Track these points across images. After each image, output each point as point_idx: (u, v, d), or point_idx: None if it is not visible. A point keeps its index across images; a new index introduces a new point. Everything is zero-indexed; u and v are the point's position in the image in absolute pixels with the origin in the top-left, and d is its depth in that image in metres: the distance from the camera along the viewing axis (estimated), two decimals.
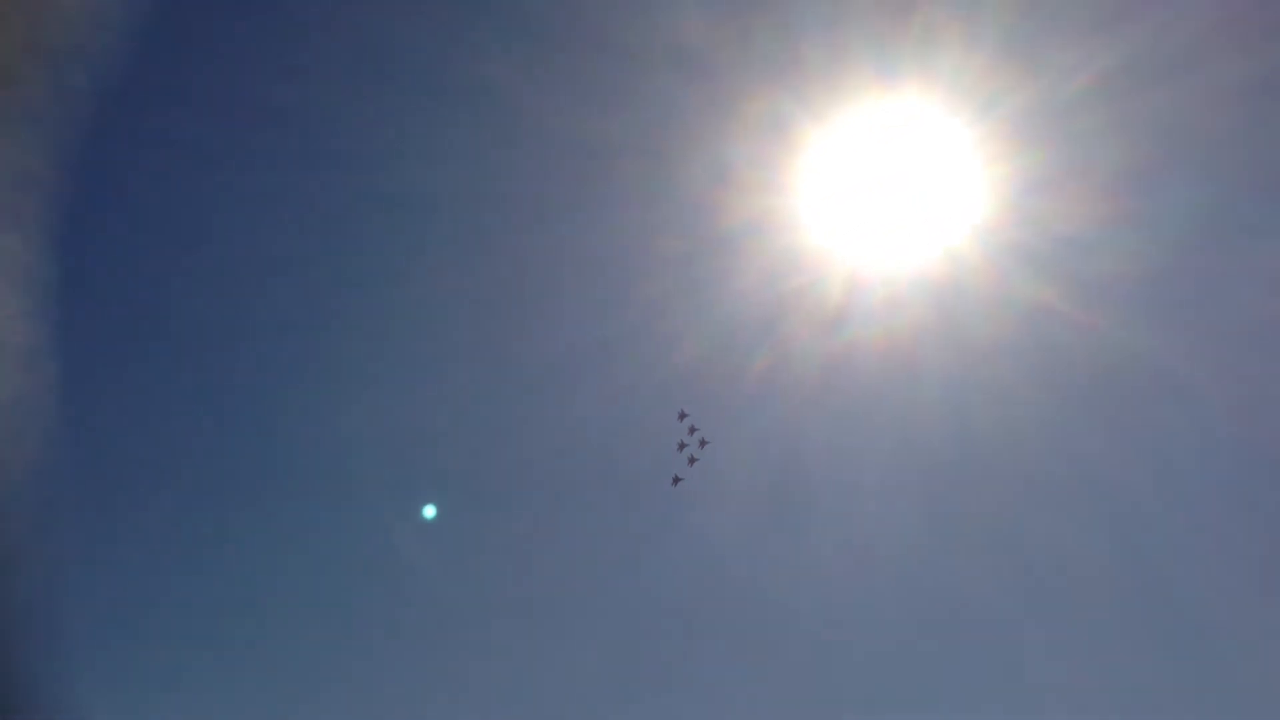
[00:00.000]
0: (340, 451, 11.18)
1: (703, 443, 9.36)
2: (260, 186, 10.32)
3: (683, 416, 9.62)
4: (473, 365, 11.10)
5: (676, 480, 9.43)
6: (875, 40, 9.88)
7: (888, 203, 10.41)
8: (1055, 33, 9.78)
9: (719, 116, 10.23)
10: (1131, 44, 9.80)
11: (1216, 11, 9.55)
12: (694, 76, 10.10)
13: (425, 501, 11.03)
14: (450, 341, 11.26)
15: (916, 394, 10.60)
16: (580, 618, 11.73)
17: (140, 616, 11.49)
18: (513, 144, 10.49)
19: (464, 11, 9.89)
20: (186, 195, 10.36)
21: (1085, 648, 9.99)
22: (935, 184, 10.19)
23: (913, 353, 10.67)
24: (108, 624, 11.22)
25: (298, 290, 10.86)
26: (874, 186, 10.35)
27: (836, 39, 9.98)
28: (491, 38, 10.41)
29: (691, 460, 9.42)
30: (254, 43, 10.01)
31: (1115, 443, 10.08)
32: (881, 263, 10.47)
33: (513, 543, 11.56)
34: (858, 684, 10.53)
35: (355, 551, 11.72)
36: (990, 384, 10.59)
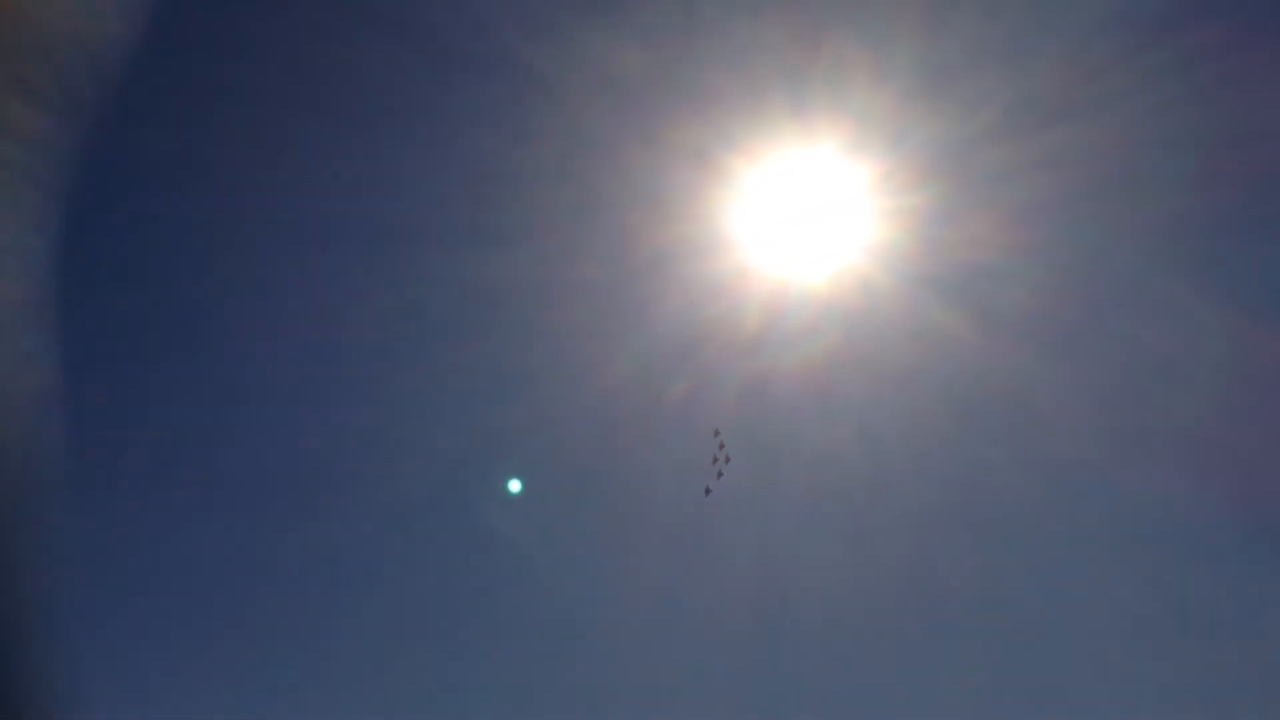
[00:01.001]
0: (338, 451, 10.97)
1: (728, 459, 10.15)
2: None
3: (717, 433, 10.31)
4: (390, 388, 10.97)
5: (708, 491, 10.20)
6: (788, 74, 10.14)
7: (803, 232, 10.67)
8: (960, 70, 10.17)
9: (638, 145, 10.37)
10: (1034, 82, 10.27)
11: (1117, 52, 10.08)
12: (613, 105, 10.22)
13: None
14: (369, 364, 11.09)
15: (831, 418, 10.86)
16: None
17: (145, 615, 11.12)
18: (434, 170, 10.45)
19: (386, 38, 9.82)
20: (186, 194, 10.12)
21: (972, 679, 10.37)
22: (847, 214, 10.49)
23: (828, 378, 10.93)
24: (132, 621, 10.89)
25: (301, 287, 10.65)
26: (789, 216, 10.61)
27: (752, 71, 10.21)
28: (413, 64, 10.36)
29: (719, 474, 10.17)
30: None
31: (1014, 465, 10.47)
32: (797, 290, 10.73)
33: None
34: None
35: (357, 551, 11.47)
36: (901, 409, 10.91)
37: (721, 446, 10.37)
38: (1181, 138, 10.09)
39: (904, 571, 10.61)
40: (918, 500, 10.68)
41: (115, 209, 10.55)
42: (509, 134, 10.56)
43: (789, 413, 10.87)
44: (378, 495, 10.71)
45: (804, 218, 10.54)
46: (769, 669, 10.56)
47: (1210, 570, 10.45)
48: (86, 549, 10.35)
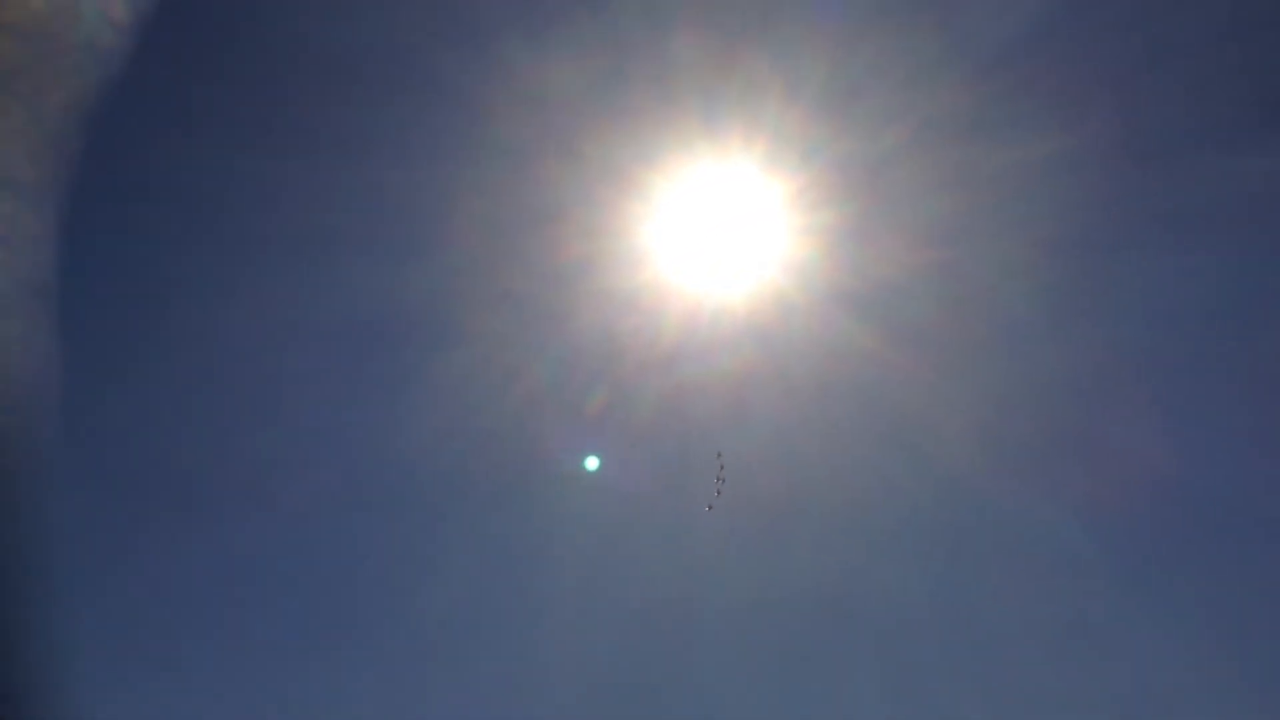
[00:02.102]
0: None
1: (723, 480, 10.49)
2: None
3: (719, 455, 10.64)
4: (301, 398, 10.85)
5: (710, 508, 10.55)
6: (702, 90, 10.19)
7: (718, 247, 10.73)
8: (870, 88, 10.29)
9: (554, 160, 10.35)
10: (943, 100, 10.42)
11: (1026, 72, 10.27)
12: (531, 120, 10.20)
13: None
14: (275, 375, 10.95)
15: (745, 432, 10.94)
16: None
17: (146, 615, 10.91)
18: (348, 181, 10.34)
19: (298, 58, 9.72)
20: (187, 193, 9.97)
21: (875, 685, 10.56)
22: (761, 229, 10.57)
23: (742, 392, 11.02)
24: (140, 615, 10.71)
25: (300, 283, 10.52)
26: (704, 231, 10.66)
27: (666, 86, 10.25)
28: (329, 76, 10.26)
29: (719, 492, 10.53)
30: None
31: (924, 479, 10.64)
32: (713, 305, 10.79)
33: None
34: None
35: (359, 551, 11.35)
36: (814, 422, 11.02)
37: (721, 468, 10.58)
38: (1090, 157, 10.31)
39: (813, 583, 10.75)
40: (830, 513, 10.82)
41: (114, 205, 10.36)
42: (424, 146, 10.51)
43: (705, 426, 10.93)
44: (279, 504, 10.63)
45: (719, 233, 10.61)
46: (647, 682, 10.67)
47: (1111, 583, 10.75)
48: (85, 548, 10.20)
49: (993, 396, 10.85)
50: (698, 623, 11.05)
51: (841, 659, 10.99)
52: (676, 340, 10.76)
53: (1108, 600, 11.25)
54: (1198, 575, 11.29)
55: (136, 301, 10.86)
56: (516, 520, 11.09)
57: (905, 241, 10.55)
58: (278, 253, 10.66)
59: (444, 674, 11.17)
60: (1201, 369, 11.04)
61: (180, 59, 9.58)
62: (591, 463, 10.96)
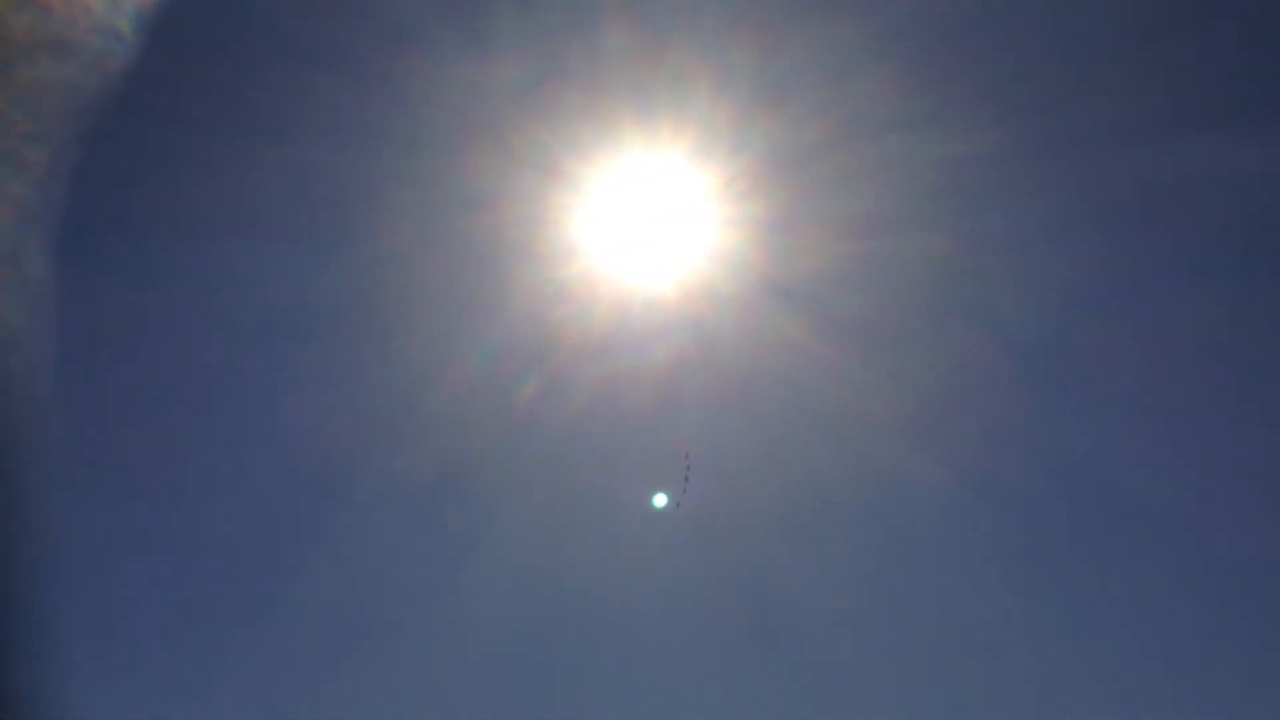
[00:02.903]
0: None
1: (687, 479, 10.68)
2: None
3: (686, 455, 10.79)
4: (229, 387, 10.74)
5: (679, 505, 10.80)
6: (631, 81, 10.18)
7: (647, 237, 10.76)
8: (798, 80, 10.34)
9: (483, 150, 10.30)
10: (871, 91, 10.50)
11: (955, 63, 10.38)
12: (459, 110, 10.13)
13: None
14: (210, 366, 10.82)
15: (677, 423, 11.01)
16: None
17: (146, 613, 10.73)
18: (275, 171, 10.20)
19: (229, 39, 9.57)
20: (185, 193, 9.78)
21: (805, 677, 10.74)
22: (690, 220, 10.61)
23: (674, 382, 11.08)
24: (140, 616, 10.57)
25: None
26: (634, 221, 10.68)
27: (595, 78, 10.22)
28: (258, 64, 10.11)
29: (684, 490, 10.76)
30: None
31: (853, 469, 10.79)
32: (642, 295, 10.82)
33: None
34: None
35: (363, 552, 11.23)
36: (744, 413, 11.12)
37: (689, 468, 10.66)
38: (1016, 150, 10.46)
39: (742, 576, 10.88)
40: (760, 503, 10.94)
41: (113, 204, 10.17)
42: (351, 136, 10.41)
43: (636, 416, 10.99)
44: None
45: (648, 224, 10.63)
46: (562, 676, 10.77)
47: (1040, 569, 11.01)
48: (84, 547, 10.05)
49: (922, 387, 11.00)
50: (628, 615, 11.14)
51: (771, 650, 11.16)
52: (607, 331, 10.79)
53: (1035, 587, 11.52)
54: (1120, 563, 11.57)
55: (145, 298, 10.67)
56: (449, 511, 11.10)
57: (833, 233, 10.65)
58: (202, 240, 10.51)
59: (377, 668, 11.15)
60: (1130, 357, 11.24)
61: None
62: (660, 499, 10.99)
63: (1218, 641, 11.06)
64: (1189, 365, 10.51)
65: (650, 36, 9.98)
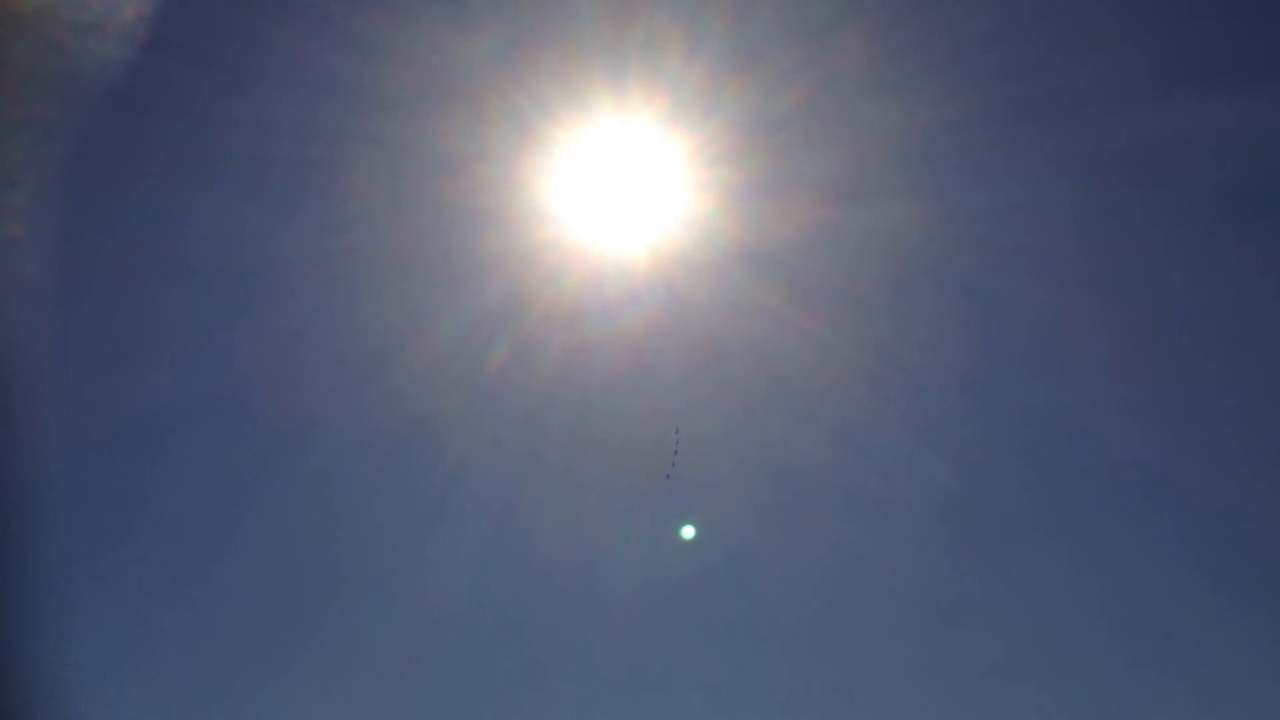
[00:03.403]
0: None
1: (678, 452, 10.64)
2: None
3: (677, 431, 10.75)
4: (195, 355, 10.68)
5: (668, 476, 10.72)
6: (604, 44, 10.07)
7: (618, 202, 10.68)
8: (772, 44, 10.24)
9: (454, 111, 10.21)
10: (844, 56, 10.40)
11: (928, 27, 10.29)
12: (427, 69, 10.03)
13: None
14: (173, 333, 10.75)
15: (648, 389, 10.97)
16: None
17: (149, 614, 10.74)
18: (235, 129, 10.10)
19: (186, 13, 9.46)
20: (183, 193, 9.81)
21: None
22: (662, 185, 10.53)
23: (645, 350, 11.03)
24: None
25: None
26: (606, 186, 10.60)
27: (568, 41, 10.12)
28: (226, 18, 9.99)
29: (673, 464, 10.69)
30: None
31: (825, 438, 10.76)
32: (614, 261, 10.76)
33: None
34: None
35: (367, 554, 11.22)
36: (716, 381, 11.08)
37: (678, 443, 10.63)
38: (996, 112, 10.37)
39: (714, 543, 10.87)
40: (729, 470, 10.91)
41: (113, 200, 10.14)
42: (322, 96, 10.29)
43: (607, 383, 10.94)
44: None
45: (620, 188, 10.55)
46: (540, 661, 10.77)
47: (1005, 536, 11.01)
48: (82, 547, 10.06)
49: (896, 354, 10.98)
50: (599, 581, 11.13)
51: (747, 618, 11.18)
52: (578, 297, 10.72)
53: (1013, 554, 11.53)
54: (1101, 530, 11.57)
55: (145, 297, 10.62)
56: (416, 477, 11.07)
57: (807, 199, 10.58)
58: (168, 197, 10.42)
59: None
60: (1106, 321, 11.20)
61: None
62: (688, 531, 10.96)
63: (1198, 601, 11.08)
64: (1165, 328, 10.51)
65: None
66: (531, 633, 11.41)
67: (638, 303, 10.72)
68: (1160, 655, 11.03)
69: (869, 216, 10.57)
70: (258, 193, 10.35)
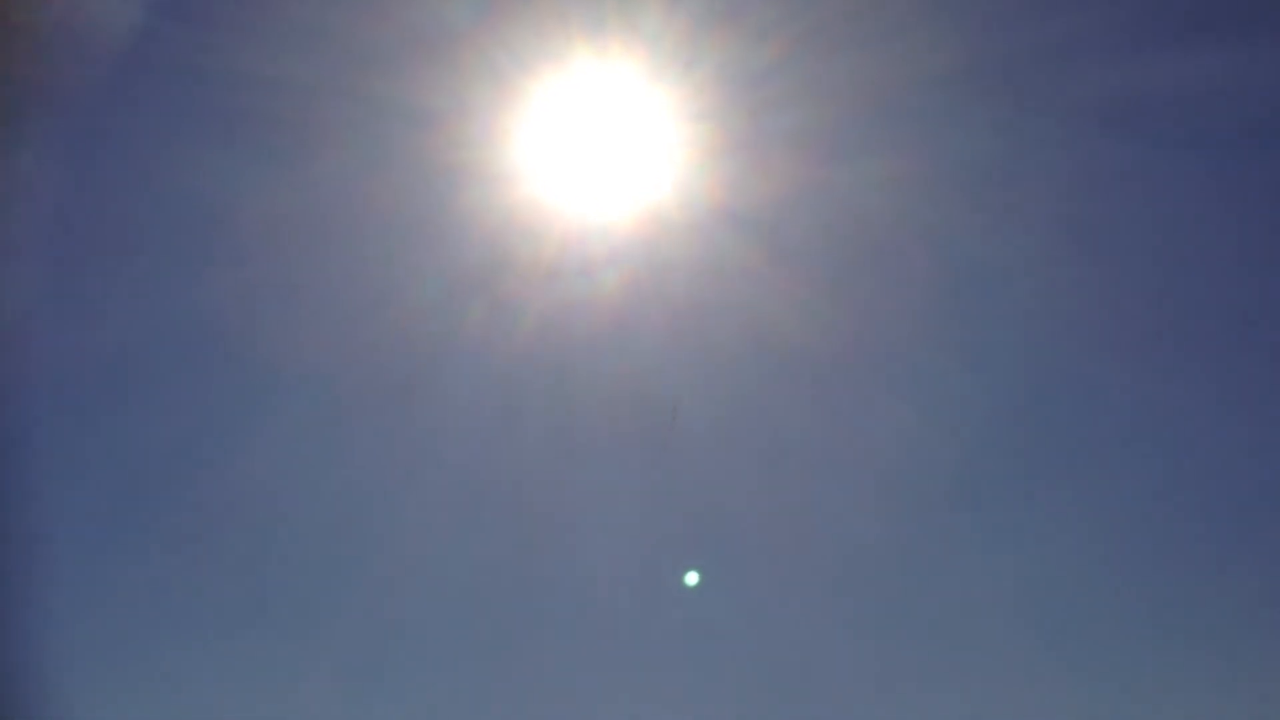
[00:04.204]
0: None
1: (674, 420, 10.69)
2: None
3: (674, 406, 10.80)
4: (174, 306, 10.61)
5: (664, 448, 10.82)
6: None
7: (598, 160, 10.54)
8: None
9: (431, 64, 10.05)
10: (823, 11, 10.22)
11: None
12: (402, 21, 9.88)
13: None
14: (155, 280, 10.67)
15: (627, 350, 10.86)
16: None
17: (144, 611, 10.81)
18: (211, 85, 9.96)
19: None
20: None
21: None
22: (642, 142, 10.38)
23: (624, 309, 10.91)
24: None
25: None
26: (584, 144, 10.45)
27: None
28: None
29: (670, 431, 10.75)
30: None
31: (803, 405, 10.67)
32: (593, 219, 10.62)
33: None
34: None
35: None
36: (695, 341, 10.97)
37: (675, 414, 10.60)
38: (982, 66, 10.18)
39: (694, 506, 10.80)
40: (710, 431, 10.82)
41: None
42: (297, 49, 10.14)
43: (585, 342, 10.84)
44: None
45: (599, 145, 10.41)
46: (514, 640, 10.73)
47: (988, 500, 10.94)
48: (80, 547, 10.09)
49: (876, 314, 10.85)
50: (583, 539, 11.09)
51: (720, 583, 11.11)
52: (556, 255, 10.60)
53: (1003, 507, 11.45)
54: (1096, 483, 11.44)
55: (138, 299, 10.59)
56: (396, 436, 11.01)
57: (789, 156, 10.42)
58: (149, 153, 10.33)
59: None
60: (1098, 275, 11.05)
61: None
62: (692, 578, 10.86)
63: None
64: (1156, 284, 10.36)
65: None
66: (512, 595, 11.36)
67: (617, 262, 10.60)
68: (1159, 621, 10.93)
69: (852, 173, 10.42)
70: (231, 147, 10.24)
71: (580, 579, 11.12)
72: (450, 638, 11.41)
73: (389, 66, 10.05)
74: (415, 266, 10.52)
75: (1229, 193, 10.05)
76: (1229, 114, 9.47)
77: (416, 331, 10.62)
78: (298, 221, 10.44)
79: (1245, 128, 9.72)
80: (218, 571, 11.20)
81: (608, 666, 11.07)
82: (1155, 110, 9.60)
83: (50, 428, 10.62)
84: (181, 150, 10.54)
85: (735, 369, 10.78)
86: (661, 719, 10.67)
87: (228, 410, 11.21)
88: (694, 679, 10.84)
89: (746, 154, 10.31)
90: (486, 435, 10.81)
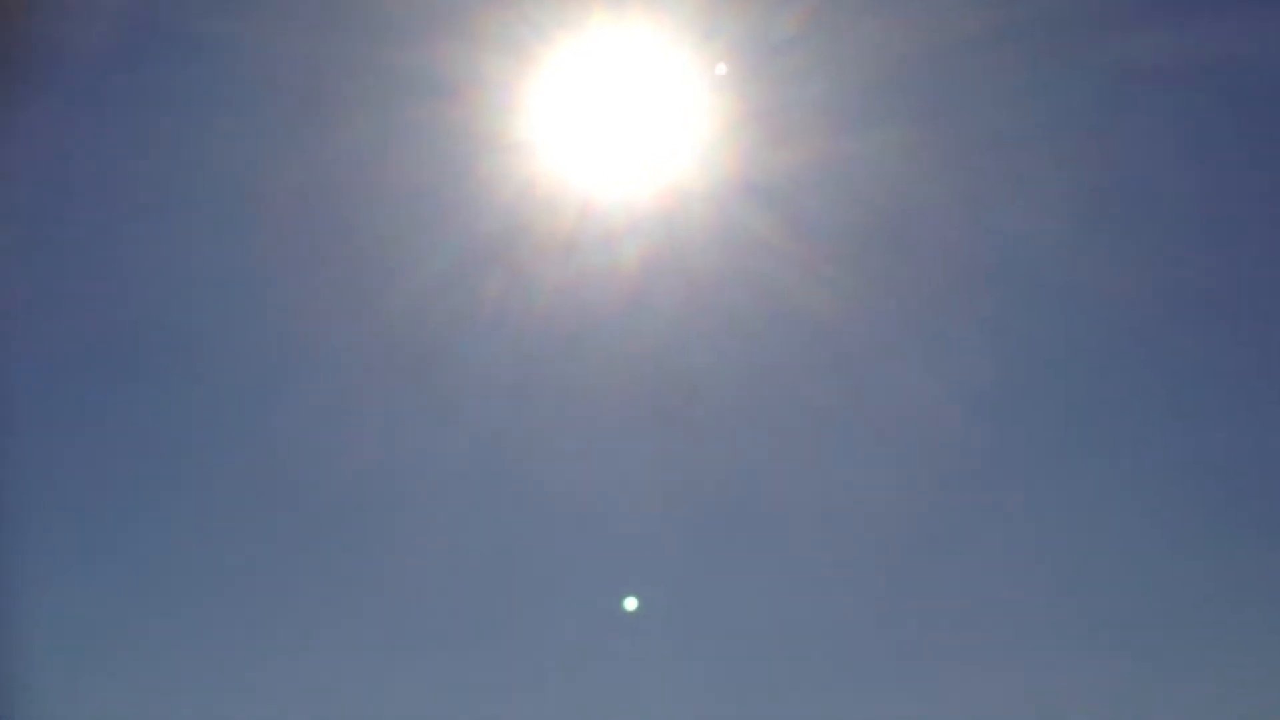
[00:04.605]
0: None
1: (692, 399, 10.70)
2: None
3: (692, 390, 10.82)
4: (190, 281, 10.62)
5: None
6: None
7: (618, 131, 10.47)
8: None
9: (448, 34, 10.01)
10: None
11: None
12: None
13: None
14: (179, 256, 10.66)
15: (645, 322, 10.79)
16: None
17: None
18: (228, 57, 9.95)
19: None
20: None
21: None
22: (662, 113, 10.31)
23: (643, 281, 10.83)
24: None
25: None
26: (603, 115, 10.38)
27: None
28: None
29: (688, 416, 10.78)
30: None
31: (822, 379, 10.57)
32: (611, 191, 10.55)
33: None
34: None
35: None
36: (714, 314, 10.88)
37: (694, 388, 10.59)
38: (1003, 35, 10.05)
39: (716, 475, 10.72)
40: (726, 404, 10.76)
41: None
42: (314, 21, 10.12)
43: (603, 314, 10.76)
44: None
45: (619, 116, 10.34)
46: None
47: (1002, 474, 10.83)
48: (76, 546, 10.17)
49: (895, 285, 10.75)
50: (601, 515, 11.03)
51: (754, 547, 11.05)
52: (575, 227, 10.53)
53: (1023, 483, 11.34)
54: (1118, 466, 11.30)
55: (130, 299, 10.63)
56: (411, 408, 10.98)
57: (809, 127, 10.33)
58: (164, 130, 10.31)
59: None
60: (1121, 250, 10.88)
61: None
62: (631, 603, 10.81)
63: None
64: (1174, 252, 10.22)
65: None
66: (528, 575, 11.30)
67: (636, 234, 10.52)
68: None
69: (873, 144, 10.31)
70: (250, 119, 10.22)
71: (597, 559, 11.08)
72: (464, 618, 11.34)
73: (407, 36, 10.00)
74: (433, 238, 10.47)
75: (1265, 161, 9.91)
76: (1264, 80, 9.34)
77: (434, 303, 10.56)
78: (315, 193, 10.42)
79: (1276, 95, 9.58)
80: (238, 555, 11.21)
81: (627, 650, 11.01)
82: (1187, 76, 9.47)
83: (58, 416, 10.70)
84: (197, 121, 10.52)
85: (755, 342, 10.70)
86: (690, 704, 10.58)
87: (243, 387, 11.19)
88: (715, 661, 10.78)
89: (767, 125, 10.22)
90: (503, 409, 10.76)
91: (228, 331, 10.92)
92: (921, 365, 10.65)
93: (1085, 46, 9.76)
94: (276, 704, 10.58)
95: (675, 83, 10.21)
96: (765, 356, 10.75)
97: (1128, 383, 10.80)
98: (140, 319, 10.86)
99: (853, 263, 10.50)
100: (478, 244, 10.42)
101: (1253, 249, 10.46)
